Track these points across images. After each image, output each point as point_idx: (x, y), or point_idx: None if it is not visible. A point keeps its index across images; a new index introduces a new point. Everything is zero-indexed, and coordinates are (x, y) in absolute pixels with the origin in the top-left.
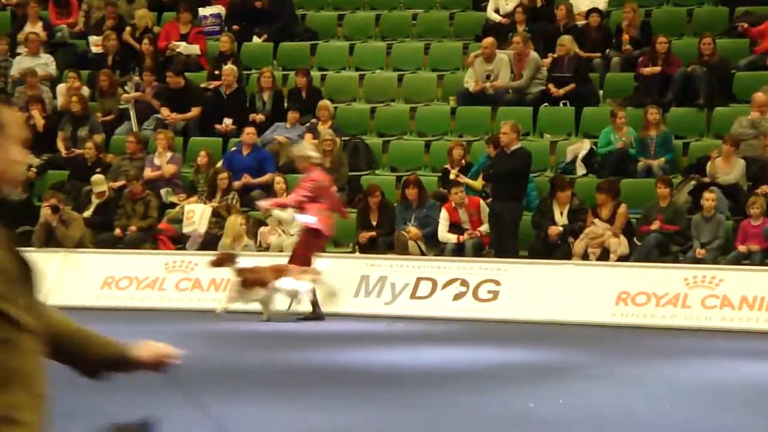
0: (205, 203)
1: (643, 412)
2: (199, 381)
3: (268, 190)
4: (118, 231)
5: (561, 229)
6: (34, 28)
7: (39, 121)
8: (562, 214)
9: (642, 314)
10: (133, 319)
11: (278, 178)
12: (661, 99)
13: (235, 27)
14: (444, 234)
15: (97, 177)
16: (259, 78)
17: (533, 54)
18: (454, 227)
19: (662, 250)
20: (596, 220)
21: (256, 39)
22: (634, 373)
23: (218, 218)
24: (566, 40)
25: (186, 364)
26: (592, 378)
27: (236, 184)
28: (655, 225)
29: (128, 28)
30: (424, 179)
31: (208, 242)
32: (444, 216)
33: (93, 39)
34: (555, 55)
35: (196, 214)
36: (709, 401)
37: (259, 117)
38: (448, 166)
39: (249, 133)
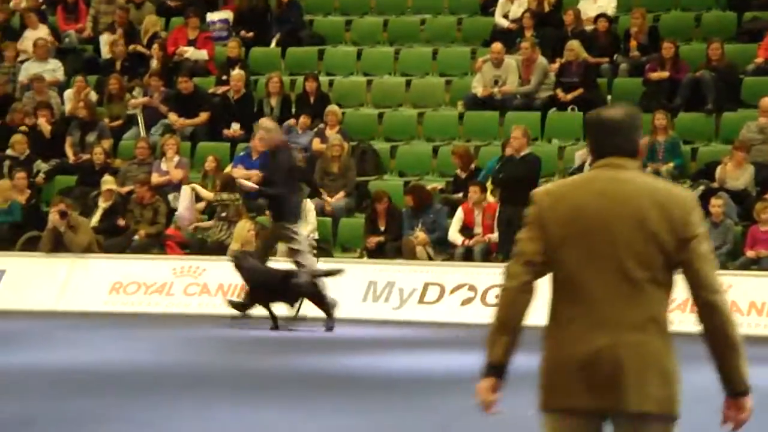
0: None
1: None
2: (209, 386)
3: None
4: (132, 229)
5: None
6: (37, 34)
7: (46, 127)
8: None
9: None
10: (141, 324)
11: None
12: (669, 104)
13: (243, 32)
14: (454, 234)
15: (107, 177)
16: (267, 83)
17: (541, 59)
18: (465, 230)
19: None
20: None
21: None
22: None
23: (225, 222)
24: (574, 45)
25: (195, 370)
26: None
27: (236, 171)
28: None
29: (140, 36)
30: (432, 185)
31: (218, 249)
32: (458, 216)
33: (103, 43)
34: (563, 61)
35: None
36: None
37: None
38: (458, 171)
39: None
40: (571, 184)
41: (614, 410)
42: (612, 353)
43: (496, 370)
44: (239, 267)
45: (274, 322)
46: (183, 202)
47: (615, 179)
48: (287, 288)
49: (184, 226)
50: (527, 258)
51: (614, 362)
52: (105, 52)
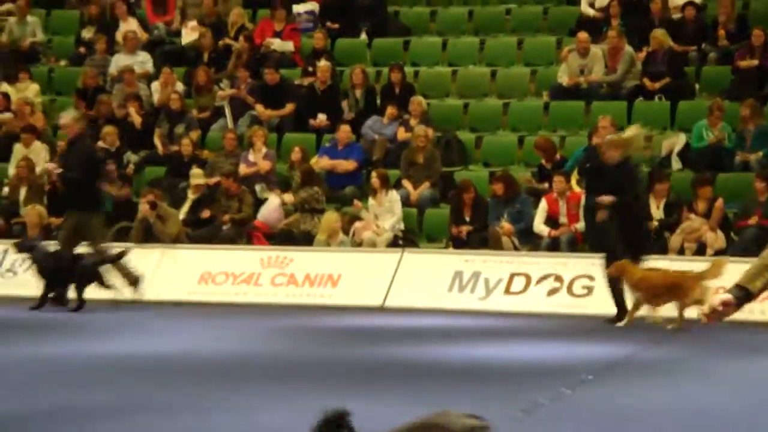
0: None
1: (741, 408)
2: (296, 376)
3: (360, 181)
4: (219, 221)
5: (656, 223)
6: (128, 27)
7: (136, 119)
8: (658, 208)
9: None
10: (228, 314)
11: (374, 173)
12: (758, 92)
13: (328, 23)
14: (539, 225)
15: (196, 170)
16: (351, 74)
17: (628, 48)
18: (550, 220)
19: (761, 245)
20: (692, 215)
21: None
22: (731, 369)
23: (309, 213)
24: (658, 33)
25: (282, 359)
26: (688, 374)
27: (321, 162)
28: (753, 220)
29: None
30: (518, 175)
31: (305, 239)
32: (542, 207)
33: (184, 34)
34: (650, 49)
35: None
36: None
37: (349, 114)
38: (543, 161)
39: (344, 131)
40: None
41: None
42: None
43: (746, 293)
44: (29, 255)
45: (78, 303)
46: (269, 206)
47: None
48: (75, 270)
49: (271, 225)
50: None
51: None
52: (187, 43)
